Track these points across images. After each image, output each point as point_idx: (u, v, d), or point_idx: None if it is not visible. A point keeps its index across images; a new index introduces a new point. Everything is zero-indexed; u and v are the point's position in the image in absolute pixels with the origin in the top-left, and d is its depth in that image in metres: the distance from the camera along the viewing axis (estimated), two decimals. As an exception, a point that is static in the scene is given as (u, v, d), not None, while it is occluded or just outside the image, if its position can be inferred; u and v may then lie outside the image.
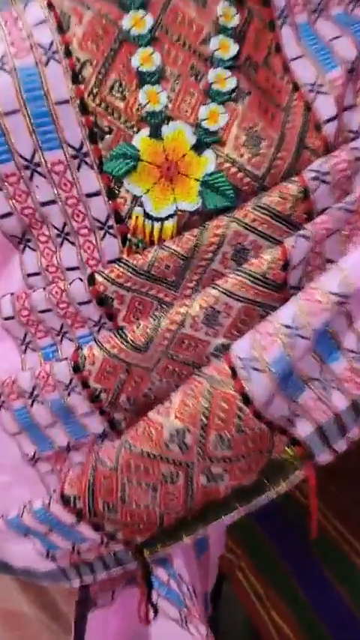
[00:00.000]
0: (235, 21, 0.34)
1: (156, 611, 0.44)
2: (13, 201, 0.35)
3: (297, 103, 0.35)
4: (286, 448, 0.36)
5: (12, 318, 0.39)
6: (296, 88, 0.35)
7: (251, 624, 0.81)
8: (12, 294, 0.39)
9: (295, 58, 0.36)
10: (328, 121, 0.35)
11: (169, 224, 0.34)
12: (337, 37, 0.36)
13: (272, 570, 0.80)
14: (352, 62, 0.35)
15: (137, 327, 0.35)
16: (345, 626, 0.71)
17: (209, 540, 0.53)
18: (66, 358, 0.38)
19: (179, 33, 0.34)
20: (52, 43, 0.33)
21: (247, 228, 0.34)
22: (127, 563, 0.42)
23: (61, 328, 0.38)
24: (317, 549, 0.74)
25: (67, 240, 0.36)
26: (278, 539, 0.82)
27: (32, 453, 0.41)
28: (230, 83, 0.33)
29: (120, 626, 0.50)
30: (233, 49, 0.34)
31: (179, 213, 0.34)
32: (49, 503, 0.40)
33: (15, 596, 0.55)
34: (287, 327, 0.31)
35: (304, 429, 0.35)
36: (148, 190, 0.34)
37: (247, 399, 0.32)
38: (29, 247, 0.38)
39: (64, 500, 0.39)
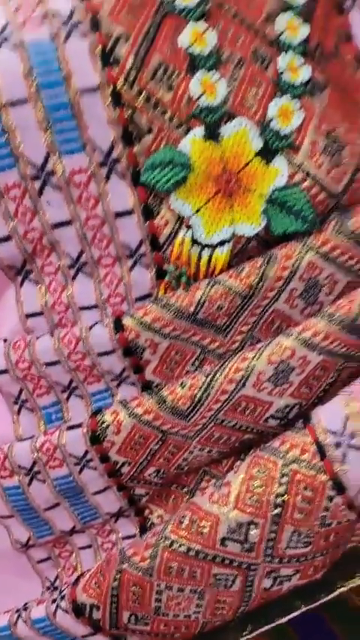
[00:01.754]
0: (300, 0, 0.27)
1: None
2: (15, 221, 0.26)
3: None
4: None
5: (5, 372, 0.29)
6: None
7: None
8: (5, 340, 0.29)
9: None
10: None
11: (222, 252, 0.27)
12: None
13: None
14: None
15: (181, 387, 0.27)
16: None
17: None
18: (78, 425, 0.29)
19: (237, 8, 0.26)
20: (73, 12, 0.24)
21: (325, 259, 0.26)
22: None
23: (69, 385, 0.30)
24: None
25: (83, 271, 0.28)
26: None
27: (25, 540, 0.31)
28: (304, 73, 0.26)
29: None
30: (304, 30, 0.27)
31: (236, 238, 0.26)
32: (55, 612, 0.30)
33: None
34: None
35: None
36: (200, 209, 0.26)
37: (340, 487, 0.25)
38: (30, 280, 0.29)
39: (77, 610, 0.29)
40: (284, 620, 0.31)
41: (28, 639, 0.32)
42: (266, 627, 0.32)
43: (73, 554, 0.33)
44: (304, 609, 0.31)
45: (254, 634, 0.31)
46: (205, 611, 0.29)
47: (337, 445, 0.24)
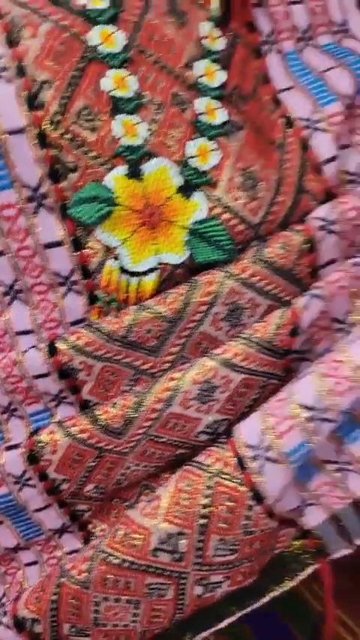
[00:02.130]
0: (219, 44, 0.30)
1: None
2: None
3: (292, 140, 0.30)
4: (293, 542, 0.30)
5: None
6: (289, 123, 0.31)
7: None
8: None
9: (285, 90, 0.32)
10: (328, 161, 0.30)
11: (149, 280, 0.28)
12: (330, 69, 0.32)
13: None
14: (351, 96, 0.31)
15: (113, 407, 0.29)
16: None
17: None
18: (17, 445, 0.30)
19: (158, 54, 0.28)
20: (1, 58, 0.26)
21: (245, 285, 0.28)
22: None
23: (8, 406, 0.31)
24: None
25: (18, 298, 0.29)
26: None
27: None
28: (221, 115, 0.28)
29: None
30: (221, 75, 0.29)
31: (162, 266, 0.28)
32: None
33: None
34: (309, 408, 0.26)
35: (315, 518, 0.30)
36: (125, 240, 0.27)
37: (258, 496, 0.26)
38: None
39: (18, 625, 0.30)
40: (221, 625, 0.33)
41: None
42: (205, 634, 0.33)
43: (20, 571, 0.33)
44: (238, 614, 0.32)
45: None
46: (142, 620, 0.30)
47: (255, 458, 0.26)
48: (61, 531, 0.32)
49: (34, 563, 0.33)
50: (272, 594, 0.32)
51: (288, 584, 0.31)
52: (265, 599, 0.32)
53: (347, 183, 0.33)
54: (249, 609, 0.32)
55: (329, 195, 0.30)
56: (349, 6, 0.36)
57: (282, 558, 0.31)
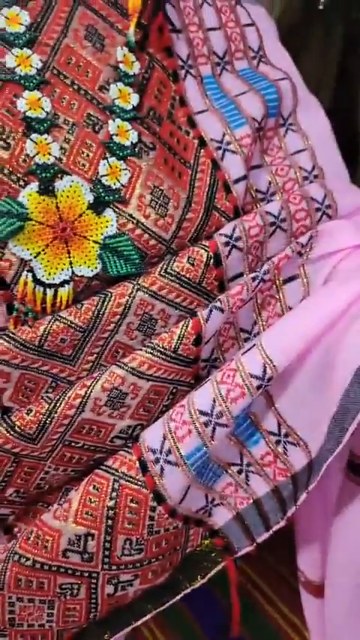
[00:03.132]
0: (135, 68, 0.31)
1: None
2: None
3: (204, 160, 0.32)
4: (203, 541, 0.32)
5: None
6: (203, 143, 0.33)
7: None
8: None
9: (200, 112, 0.34)
10: (238, 181, 0.32)
11: (64, 291, 0.30)
12: (243, 93, 0.35)
13: None
14: (260, 120, 0.33)
15: (28, 413, 0.30)
16: None
17: None
18: None
19: (73, 77, 0.30)
20: None
21: (154, 297, 0.30)
22: None
23: None
24: None
25: None
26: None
27: None
28: (132, 136, 0.30)
29: None
30: (134, 98, 0.31)
31: (76, 278, 0.30)
32: None
33: None
34: (204, 414, 0.27)
35: (221, 518, 0.32)
36: (39, 254, 0.29)
37: (159, 498, 0.28)
38: None
39: None
40: (138, 623, 0.34)
41: None
42: (123, 632, 0.34)
43: None
44: (154, 612, 0.34)
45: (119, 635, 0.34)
46: (57, 620, 0.31)
47: (156, 461, 0.28)
48: None
49: None
50: (185, 591, 0.33)
51: (200, 581, 0.33)
52: (179, 597, 0.33)
53: (259, 201, 0.35)
54: (164, 607, 0.33)
55: (238, 213, 0.32)
56: (266, 33, 0.39)
57: (193, 556, 0.32)
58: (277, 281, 0.32)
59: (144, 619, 0.34)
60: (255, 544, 0.31)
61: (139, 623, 0.34)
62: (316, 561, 0.39)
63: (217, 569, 0.32)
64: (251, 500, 0.31)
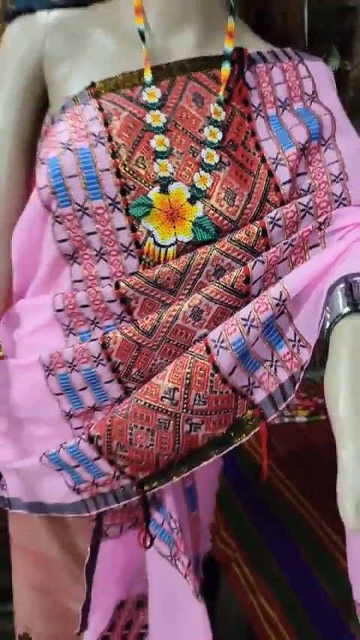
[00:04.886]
0: (222, 116, 0.52)
1: (152, 539, 0.58)
2: (69, 231, 0.52)
3: (263, 171, 0.51)
4: (248, 411, 0.51)
5: (61, 310, 0.55)
6: (263, 160, 0.52)
7: (244, 612, 0.92)
8: (62, 294, 0.55)
9: (265, 139, 0.53)
10: (285, 183, 0.51)
11: (171, 250, 0.51)
12: (295, 125, 0.53)
13: (261, 561, 0.93)
14: (304, 143, 0.51)
15: (146, 319, 0.51)
16: (323, 613, 0.82)
17: (198, 501, 0.67)
18: (96, 339, 0.54)
19: (184, 125, 0.51)
20: (100, 132, 0.50)
21: (224, 255, 0.50)
22: (131, 496, 0.57)
23: (94, 319, 0.55)
24: (304, 547, 0.88)
25: (103, 259, 0.53)
26: (266, 533, 0.95)
27: (68, 410, 0.57)
28: (215, 158, 0.50)
29: (125, 559, 0.64)
30: (219, 135, 0.51)
31: (178, 242, 0.51)
32: (79, 442, 0.55)
33: (42, 540, 0.69)
34: (244, 319, 0.47)
35: (260, 396, 0.50)
36: (158, 227, 0.51)
37: (216, 368, 0.48)
38: (77, 263, 0.54)
39: (90, 439, 0.54)
40: (205, 463, 0.54)
41: (65, 459, 0.56)
42: (195, 468, 0.54)
43: (93, 420, 0.56)
44: (216, 456, 0.53)
45: (189, 472, 0.54)
46: (155, 444, 0.52)
47: (215, 346, 0.48)
48: (119, 401, 0.55)
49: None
50: (235, 444, 0.52)
51: (244, 438, 0.52)
52: (232, 446, 0.52)
53: (302, 196, 0.53)
54: (223, 452, 0.53)
55: (283, 204, 0.51)
56: (320, 81, 0.56)
57: (240, 420, 0.51)
58: (305, 247, 0.50)
59: (209, 461, 0.53)
60: (278, 411, 0.49)
61: (206, 464, 0.53)
62: None
63: (255, 430, 0.51)
64: (277, 385, 0.49)
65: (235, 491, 0.99)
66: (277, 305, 0.46)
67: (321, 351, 0.44)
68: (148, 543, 0.59)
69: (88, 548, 0.62)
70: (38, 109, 0.56)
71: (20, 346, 0.60)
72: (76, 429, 0.57)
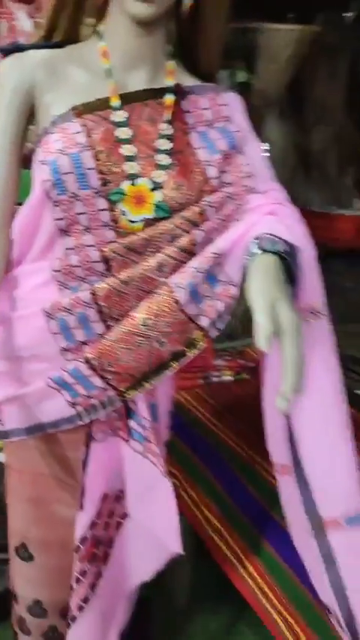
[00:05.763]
0: (169, 131, 0.75)
1: (130, 432, 0.81)
2: (64, 212, 0.73)
3: (199, 170, 0.76)
4: (196, 331, 0.75)
5: (58, 270, 0.76)
6: (198, 163, 0.76)
7: (191, 527, 1.18)
8: (59, 258, 0.76)
9: (198, 148, 0.77)
10: (214, 179, 0.75)
11: (139, 224, 0.74)
12: (218, 139, 0.78)
13: (202, 481, 1.21)
14: (225, 151, 0.76)
15: (124, 273, 0.74)
16: (253, 511, 1.12)
17: (159, 416, 0.90)
18: (87, 290, 0.75)
19: (143, 138, 0.74)
20: (85, 142, 0.72)
21: (176, 227, 0.74)
22: (115, 403, 0.79)
23: (84, 277, 0.76)
24: (233, 464, 1.24)
25: (89, 232, 0.75)
26: (206, 462, 1.26)
27: (65, 345, 0.78)
28: (167, 161, 0.74)
29: (108, 458, 0.86)
30: (168, 145, 0.74)
31: (144, 219, 0.74)
32: (78, 364, 0.76)
33: (36, 459, 0.88)
34: (194, 268, 0.71)
35: (205, 321, 0.75)
36: (129, 208, 0.73)
37: (176, 302, 0.72)
38: (68, 235, 0.75)
39: (86, 360, 0.76)
40: (168, 373, 0.77)
41: (66, 379, 0.77)
42: (159, 378, 0.78)
43: (81, 352, 0.79)
44: (175, 369, 0.77)
45: (159, 380, 0.78)
46: (134, 358, 0.75)
47: (175, 287, 0.72)
48: (101, 335, 0.77)
49: None
50: (190, 356, 0.76)
51: (196, 352, 0.76)
52: (187, 359, 0.77)
53: (225, 187, 0.78)
54: (181, 363, 0.77)
55: (214, 193, 0.75)
56: (233, 108, 0.81)
57: (192, 339, 0.76)
58: (229, 220, 0.75)
59: (172, 370, 0.77)
60: (218, 331, 0.74)
61: (169, 373, 0.77)
62: None
63: (202, 346, 0.76)
64: (216, 313, 0.74)
65: (180, 437, 1.28)
66: (214, 258, 0.71)
67: (242, 322, 0.72)
68: (127, 436, 0.82)
69: (84, 448, 0.83)
70: (25, 126, 0.77)
71: (21, 301, 0.80)
72: (69, 360, 0.78)
